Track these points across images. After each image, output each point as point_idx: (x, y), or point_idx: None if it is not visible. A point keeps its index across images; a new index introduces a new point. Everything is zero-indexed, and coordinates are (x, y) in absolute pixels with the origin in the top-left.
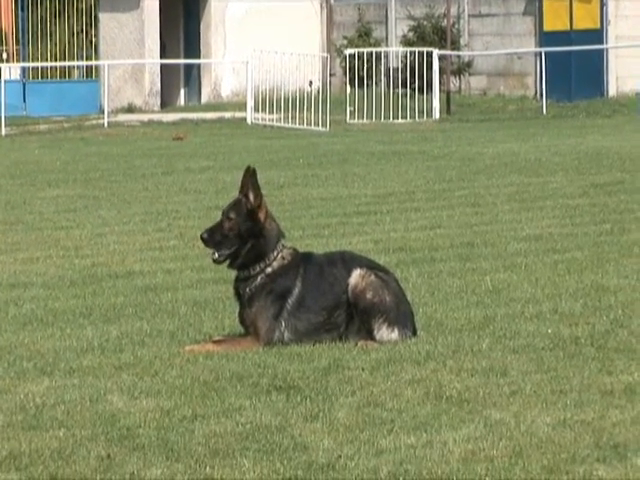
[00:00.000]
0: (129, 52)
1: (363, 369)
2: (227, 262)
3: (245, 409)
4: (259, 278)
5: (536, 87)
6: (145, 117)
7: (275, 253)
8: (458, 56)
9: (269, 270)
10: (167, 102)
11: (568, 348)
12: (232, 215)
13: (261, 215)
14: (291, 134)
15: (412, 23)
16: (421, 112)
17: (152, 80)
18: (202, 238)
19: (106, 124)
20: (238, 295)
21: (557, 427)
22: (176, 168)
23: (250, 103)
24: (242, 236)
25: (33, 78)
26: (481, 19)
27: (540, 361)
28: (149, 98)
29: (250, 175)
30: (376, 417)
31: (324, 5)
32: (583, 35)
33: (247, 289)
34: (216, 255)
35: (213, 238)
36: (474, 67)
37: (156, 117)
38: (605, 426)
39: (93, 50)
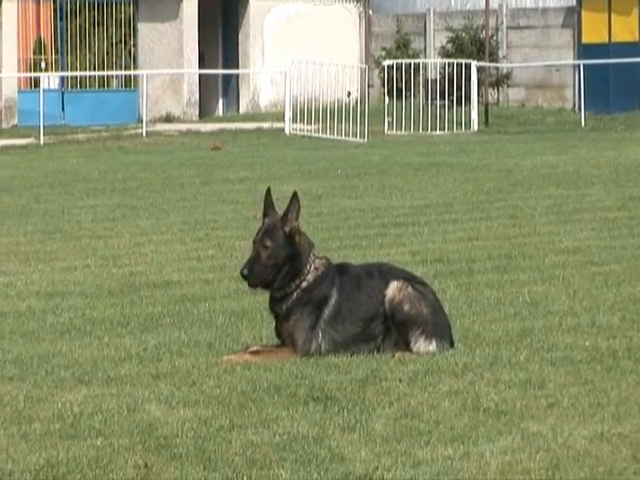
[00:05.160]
0: (168, 62)
1: (400, 380)
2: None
3: (282, 419)
4: (295, 294)
5: (574, 99)
6: (183, 127)
7: (308, 266)
8: (496, 68)
9: (304, 285)
10: (205, 112)
11: (606, 361)
12: (268, 243)
13: (297, 237)
14: (329, 145)
15: (450, 35)
16: (459, 124)
17: (190, 90)
18: (242, 275)
19: (144, 134)
20: (274, 313)
21: (594, 440)
22: (214, 178)
23: (288, 113)
24: (281, 262)
25: (72, 87)
26: (520, 31)
27: (578, 374)
28: (187, 108)
29: (293, 199)
30: (413, 428)
31: (363, 16)
32: (622, 48)
33: (284, 306)
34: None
35: (253, 272)
36: (512, 79)
37: (194, 127)
38: None
39: (132, 60)
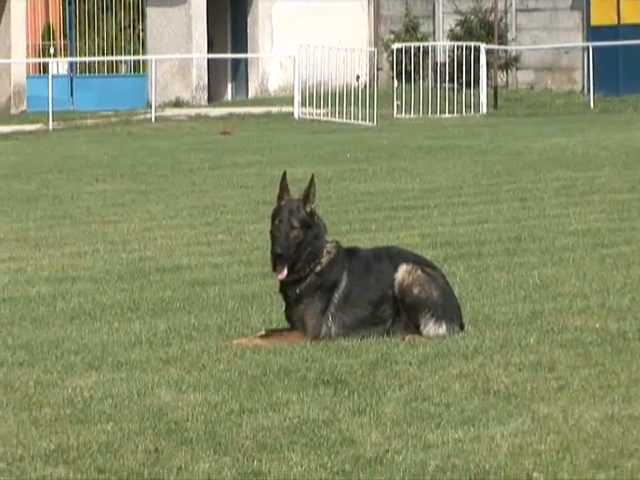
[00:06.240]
0: (176, 47)
1: (410, 363)
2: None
3: (293, 403)
4: (309, 278)
5: (583, 82)
6: (192, 112)
7: (323, 250)
8: (505, 51)
9: (318, 268)
10: (214, 97)
11: (616, 343)
12: (295, 223)
13: (315, 218)
14: (338, 129)
15: (459, 17)
16: (468, 107)
17: (199, 75)
18: (277, 254)
19: (153, 119)
20: (285, 295)
21: (605, 422)
22: (223, 163)
23: (297, 98)
24: (304, 243)
25: (81, 73)
26: (528, 13)
27: (588, 356)
28: (196, 93)
29: (311, 181)
30: (424, 411)
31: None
32: (630, 29)
33: (297, 290)
34: (285, 273)
35: (285, 250)
36: (521, 61)
37: (203, 112)
38: None
39: (140, 45)
